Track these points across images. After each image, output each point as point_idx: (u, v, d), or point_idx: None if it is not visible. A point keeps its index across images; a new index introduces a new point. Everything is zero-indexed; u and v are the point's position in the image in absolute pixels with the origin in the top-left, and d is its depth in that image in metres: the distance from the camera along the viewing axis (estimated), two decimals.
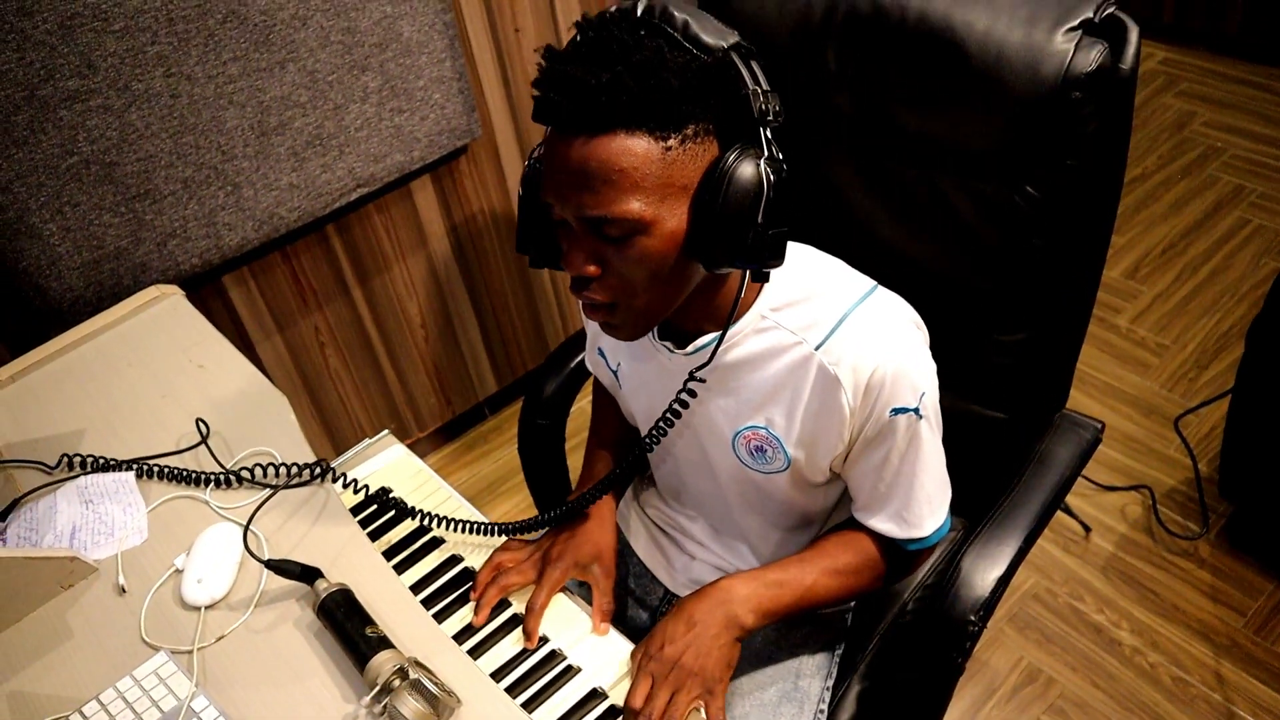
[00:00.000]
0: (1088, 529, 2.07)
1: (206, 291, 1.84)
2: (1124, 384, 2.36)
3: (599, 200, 0.87)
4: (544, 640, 1.09)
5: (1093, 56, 1.03)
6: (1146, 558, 2.01)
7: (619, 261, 0.91)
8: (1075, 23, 1.04)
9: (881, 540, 1.11)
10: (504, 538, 1.19)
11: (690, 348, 1.04)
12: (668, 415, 1.07)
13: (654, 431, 1.10)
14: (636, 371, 1.17)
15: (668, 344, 1.06)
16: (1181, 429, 2.23)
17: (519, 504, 2.33)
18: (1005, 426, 1.29)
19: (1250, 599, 1.91)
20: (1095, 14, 1.04)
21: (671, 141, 0.86)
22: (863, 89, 1.20)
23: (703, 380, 1.04)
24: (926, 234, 1.23)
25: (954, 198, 1.18)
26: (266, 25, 1.62)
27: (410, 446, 1.34)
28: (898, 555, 1.12)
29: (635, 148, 0.85)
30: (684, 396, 1.06)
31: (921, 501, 1.07)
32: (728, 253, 0.90)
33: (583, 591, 1.19)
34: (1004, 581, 1.11)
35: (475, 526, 1.18)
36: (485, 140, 2.11)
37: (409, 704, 0.93)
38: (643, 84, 0.83)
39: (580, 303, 0.98)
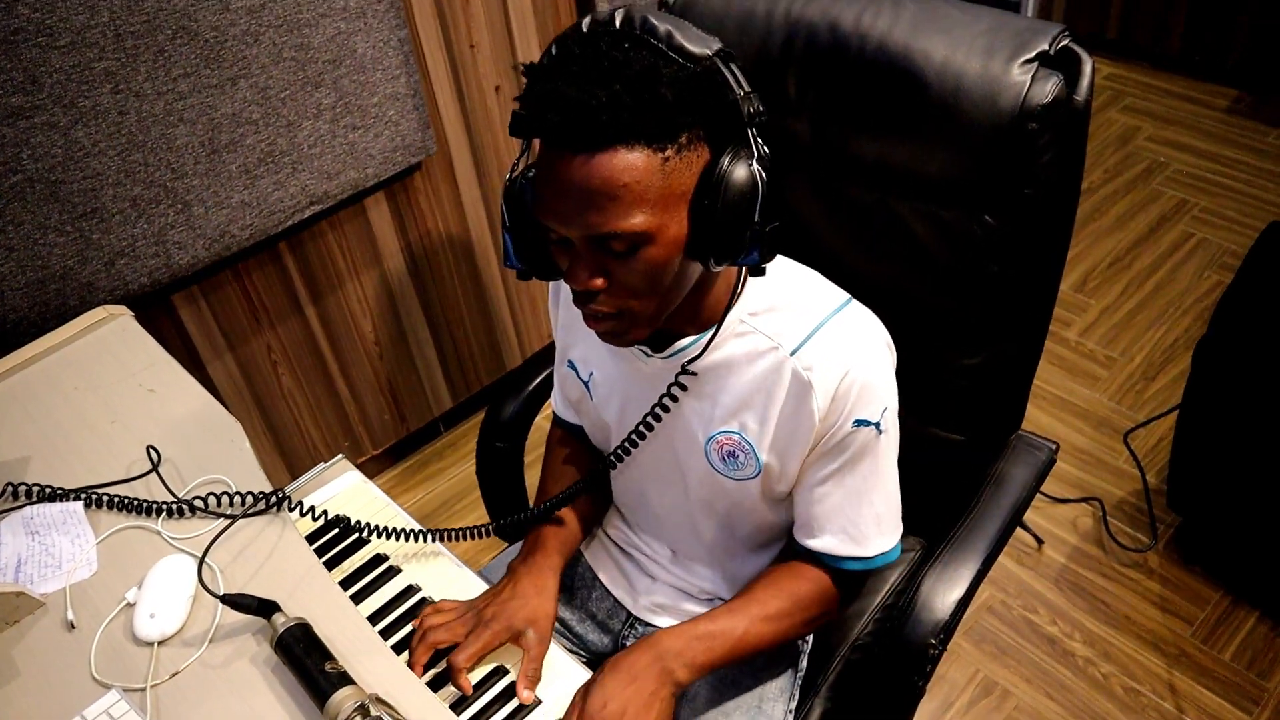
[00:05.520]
0: (1040, 541, 2.11)
1: (155, 311, 1.80)
2: (1074, 397, 2.40)
3: (605, 218, 0.88)
4: (504, 671, 1.08)
5: (1048, 88, 1.05)
6: (1098, 569, 2.05)
7: (624, 273, 0.92)
8: (1031, 55, 1.05)
9: (816, 576, 1.11)
10: (440, 544, 1.19)
11: (668, 351, 1.05)
12: (648, 419, 1.08)
13: (629, 439, 1.10)
14: (610, 379, 1.17)
15: (644, 349, 1.07)
16: (1130, 442, 2.27)
17: (473, 523, 2.30)
18: (962, 448, 1.31)
19: (1198, 609, 1.95)
20: (1050, 46, 1.06)
21: (669, 152, 0.87)
22: (821, 117, 1.21)
23: (694, 373, 1.05)
24: (885, 259, 1.24)
25: (912, 224, 1.19)
26: (217, 41, 1.59)
27: (364, 464, 1.32)
28: (835, 587, 1.12)
29: (636, 162, 0.86)
30: (666, 401, 1.07)
31: (869, 519, 1.08)
32: (730, 252, 0.92)
33: (560, 637, 1.16)
34: (964, 604, 1.12)
35: (421, 534, 1.17)
36: (440, 156, 2.10)
37: None
38: (639, 99, 0.84)
39: (581, 313, 0.99)
